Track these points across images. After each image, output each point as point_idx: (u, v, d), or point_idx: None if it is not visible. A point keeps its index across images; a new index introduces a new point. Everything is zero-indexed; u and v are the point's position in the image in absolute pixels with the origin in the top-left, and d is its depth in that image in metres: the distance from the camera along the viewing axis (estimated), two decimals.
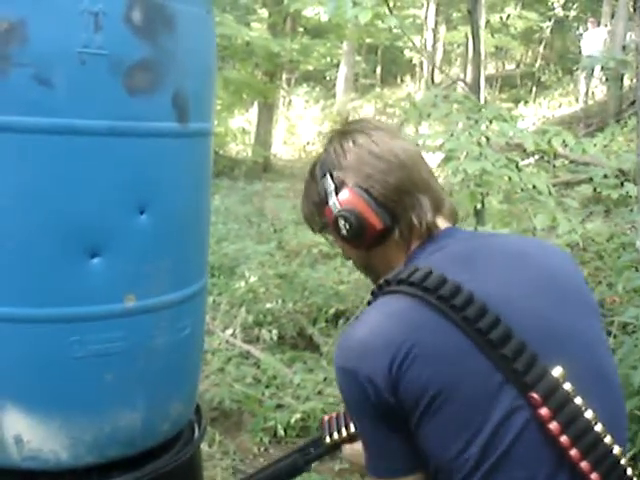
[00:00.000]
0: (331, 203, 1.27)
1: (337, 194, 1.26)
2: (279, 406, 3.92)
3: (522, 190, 3.34)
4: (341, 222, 1.26)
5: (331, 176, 1.28)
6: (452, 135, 3.36)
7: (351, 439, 1.42)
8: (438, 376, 1.09)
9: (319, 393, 4.02)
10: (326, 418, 1.49)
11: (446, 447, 1.10)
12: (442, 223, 1.29)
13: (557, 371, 1.10)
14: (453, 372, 1.09)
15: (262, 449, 3.66)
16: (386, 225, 1.25)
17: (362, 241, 1.27)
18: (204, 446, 3.31)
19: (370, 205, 1.24)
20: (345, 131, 1.32)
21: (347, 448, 1.43)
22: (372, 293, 1.24)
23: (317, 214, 1.33)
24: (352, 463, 1.45)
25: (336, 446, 1.48)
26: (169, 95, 1.50)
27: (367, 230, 1.25)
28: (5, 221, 1.42)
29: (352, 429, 1.41)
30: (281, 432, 3.69)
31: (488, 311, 1.10)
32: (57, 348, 1.45)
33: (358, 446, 1.31)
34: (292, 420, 3.73)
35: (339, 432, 1.45)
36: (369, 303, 1.24)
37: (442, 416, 1.09)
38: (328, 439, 1.46)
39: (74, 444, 1.51)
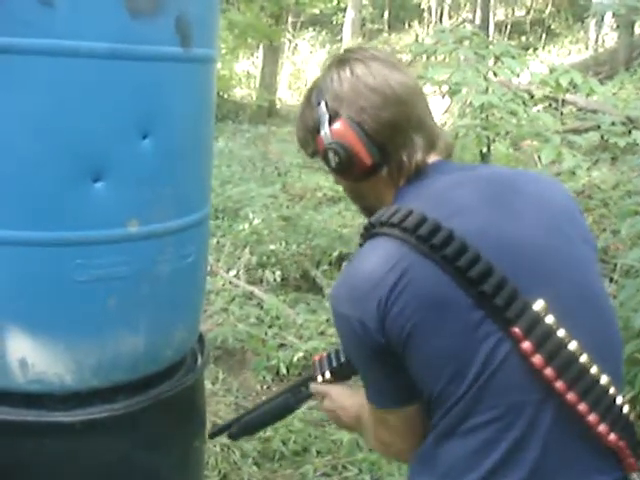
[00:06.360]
0: (323, 133, 1.25)
1: (330, 124, 1.25)
2: (282, 345, 3.96)
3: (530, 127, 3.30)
4: (330, 154, 1.25)
5: (326, 105, 1.26)
6: (458, 68, 3.31)
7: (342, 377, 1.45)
8: (419, 311, 1.10)
9: (322, 333, 4.06)
10: (317, 358, 1.50)
11: (433, 379, 1.12)
12: (433, 158, 1.27)
13: (539, 305, 1.10)
14: (434, 309, 1.10)
15: (265, 387, 3.71)
16: (375, 161, 1.24)
17: (350, 174, 1.27)
18: (207, 383, 3.35)
19: (361, 140, 1.22)
20: (344, 59, 1.29)
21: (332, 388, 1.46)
22: (361, 235, 1.24)
23: (311, 139, 1.32)
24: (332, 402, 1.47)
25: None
26: (172, 19, 1.48)
27: (356, 165, 1.24)
28: (8, 145, 1.41)
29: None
30: (283, 370, 3.73)
31: (468, 249, 1.10)
32: (61, 271, 1.46)
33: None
34: (295, 359, 3.77)
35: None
36: (360, 245, 1.24)
37: (425, 350, 1.11)
38: (320, 378, 1.47)
39: (78, 367, 1.53)
